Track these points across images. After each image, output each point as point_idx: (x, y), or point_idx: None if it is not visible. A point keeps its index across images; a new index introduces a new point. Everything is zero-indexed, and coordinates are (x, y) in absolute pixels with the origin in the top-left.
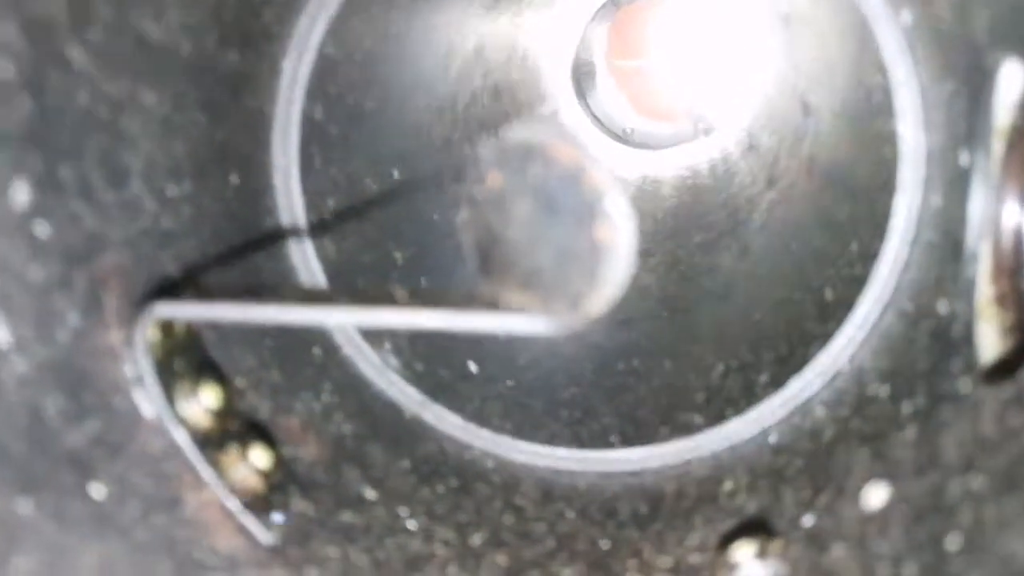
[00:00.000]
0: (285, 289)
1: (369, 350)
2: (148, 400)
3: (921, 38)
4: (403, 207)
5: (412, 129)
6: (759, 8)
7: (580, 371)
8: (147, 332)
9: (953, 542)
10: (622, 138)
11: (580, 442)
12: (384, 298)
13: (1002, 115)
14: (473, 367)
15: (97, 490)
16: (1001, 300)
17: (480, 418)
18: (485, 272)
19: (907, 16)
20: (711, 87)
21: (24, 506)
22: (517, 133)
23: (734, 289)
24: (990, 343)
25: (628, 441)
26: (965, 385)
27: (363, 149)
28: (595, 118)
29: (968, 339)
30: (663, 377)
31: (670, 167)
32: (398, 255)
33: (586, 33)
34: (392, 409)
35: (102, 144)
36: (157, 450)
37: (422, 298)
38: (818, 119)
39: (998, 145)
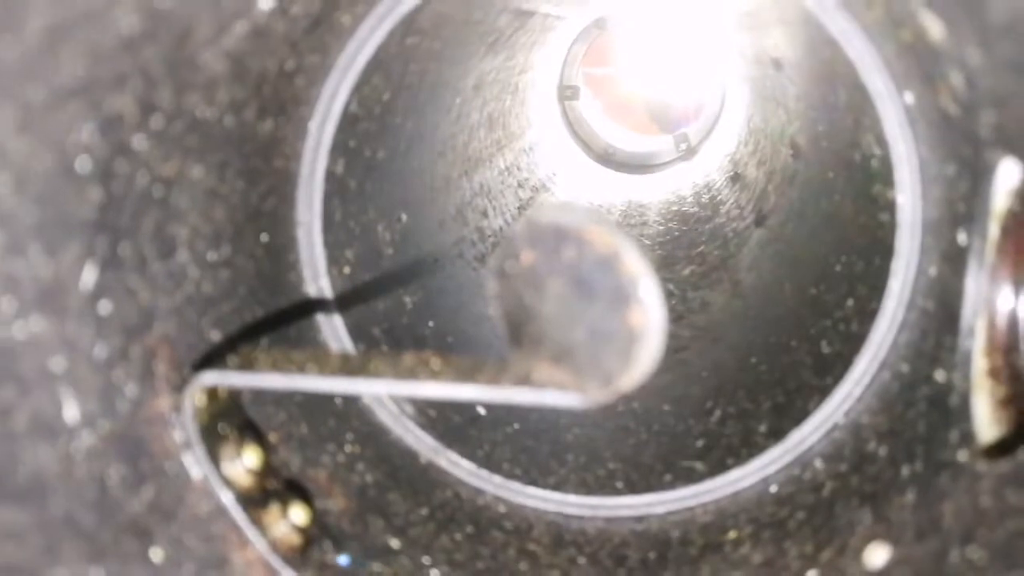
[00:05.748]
0: (321, 356)
1: (386, 398)
2: (196, 463)
3: (924, 119)
4: (409, 252)
5: (416, 173)
6: (747, 45)
7: (582, 412)
8: (194, 398)
9: None
10: (604, 158)
11: (587, 487)
12: (420, 367)
13: (999, 200)
14: (481, 410)
15: (156, 554)
16: (995, 374)
17: (491, 463)
18: (516, 344)
19: (910, 98)
20: (691, 106)
21: None
22: (550, 214)
23: (728, 329)
24: (986, 418)
25: (633, 487)
26: (963, 455)
27: (375, 198)
28: (579, 138)
29: (965, 412)
30: (662, 421)
31: (654, 190)
32: (407, 300)
33: (569, 56)
34: (409, 456)
35: (156, 220)
36: (205, 512)
37: (455, 367)
38: (808, 163)
39: (994, 228)
